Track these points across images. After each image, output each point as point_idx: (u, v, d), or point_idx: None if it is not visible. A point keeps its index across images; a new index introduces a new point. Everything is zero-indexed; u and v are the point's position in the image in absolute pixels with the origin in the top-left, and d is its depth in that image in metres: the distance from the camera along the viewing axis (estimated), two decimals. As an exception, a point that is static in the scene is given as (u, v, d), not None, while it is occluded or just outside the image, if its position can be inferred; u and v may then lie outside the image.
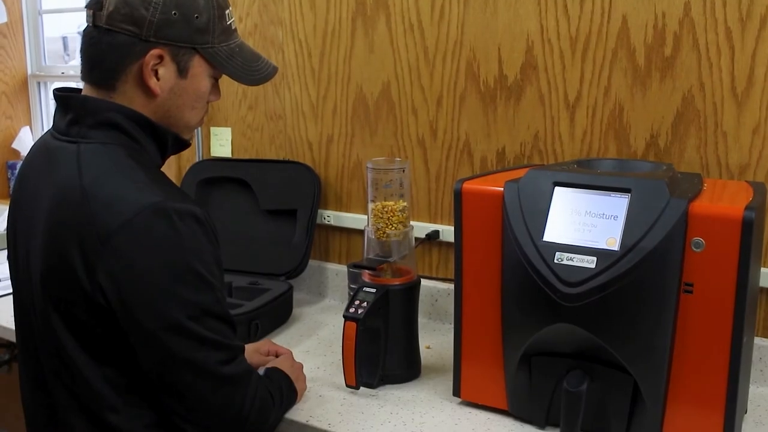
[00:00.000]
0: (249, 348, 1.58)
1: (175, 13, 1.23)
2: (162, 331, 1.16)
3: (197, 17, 1.25)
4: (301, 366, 1.56)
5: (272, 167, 2.22)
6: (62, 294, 1.20)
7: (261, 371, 1.42)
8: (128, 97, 1.25)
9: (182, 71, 1.27)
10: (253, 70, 1.36)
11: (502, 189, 1.38)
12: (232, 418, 1.25)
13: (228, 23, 1.32)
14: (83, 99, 1.26)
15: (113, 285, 1.15)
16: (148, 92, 1.25)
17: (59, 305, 1.21)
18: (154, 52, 1.23)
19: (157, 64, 1.24)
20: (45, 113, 3.26)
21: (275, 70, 1.41)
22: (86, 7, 1.26)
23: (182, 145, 1.35)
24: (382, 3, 2.00)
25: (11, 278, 1.36)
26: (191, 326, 1.17)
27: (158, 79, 1.25)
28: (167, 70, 1.25)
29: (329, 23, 2.11)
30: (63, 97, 1.28)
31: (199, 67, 1.28)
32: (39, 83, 3.23)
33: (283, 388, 1.42)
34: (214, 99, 1.36)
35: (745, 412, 1.44)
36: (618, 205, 1.29)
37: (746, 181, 1.50)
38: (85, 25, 1.27)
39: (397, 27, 1.99)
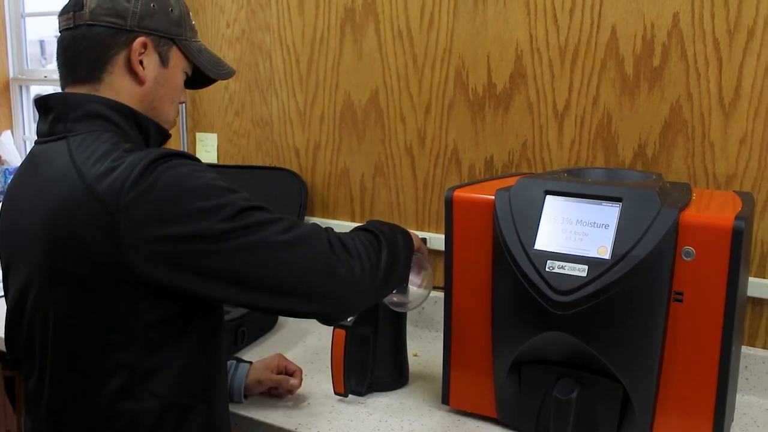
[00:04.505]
0: (257, 365, 1.57)
1: (153, 6, 1.29)
2: (210, 251, 1.13)
3: (171, 10, 1.32)
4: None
5: (259, 173, 2.22)
6: (77, 281, 1.17)
7: None
8: (115, 88, 1.27)
9: (164, 61, 1.31)
10: (219, 66, 1.42)
11: (493, 197, 1.39)
12: (325, 271, 1.19)
13: (193, 22, 1.39)
14: (63, 95, 1.27)
15: (147, 248, 1.12)
16: (136, 79, 1.28)
17: (71, 297, 1.18)
18: (140, 39, 1.27)
19: (141, 53, 1.27)
20: (27, 117, 3.24)
21: (234, 71, 1.48)
22: (62, 13, 1.28)
23: (164, 135, 1.35)
24: (371, 10, 2.00)
25: (4, 289, 1.33)
26: (228, 226, 1.13)
27: (143, 68, 1.28)
28: (151, 60, 1.29)
29: (318, 30, 2.11)
30: (43, 98, 1.28)
31: (176, 59, 1.33)
32: (21, 87, 3.21)
33: (386, 227, 1.35)
34: (183, 100, 1.40)
35: (731, 421, 1.45)
36: (609, 214, 1.29)
37: (734, 191, 1.52)
38: (60, 33, 1.29)
39: (386, 34, 1.99)
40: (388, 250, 1.30)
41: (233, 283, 1.16)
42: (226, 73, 1.44)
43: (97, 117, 1.24)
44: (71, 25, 1.26)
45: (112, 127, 1.25)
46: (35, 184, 1.24)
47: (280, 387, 1.56)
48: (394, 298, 1.52)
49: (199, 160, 1.21)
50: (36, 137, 1.31)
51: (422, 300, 1.54)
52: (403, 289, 1.49)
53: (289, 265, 1.17)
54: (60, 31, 1.29)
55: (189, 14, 1.36)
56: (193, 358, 1.24)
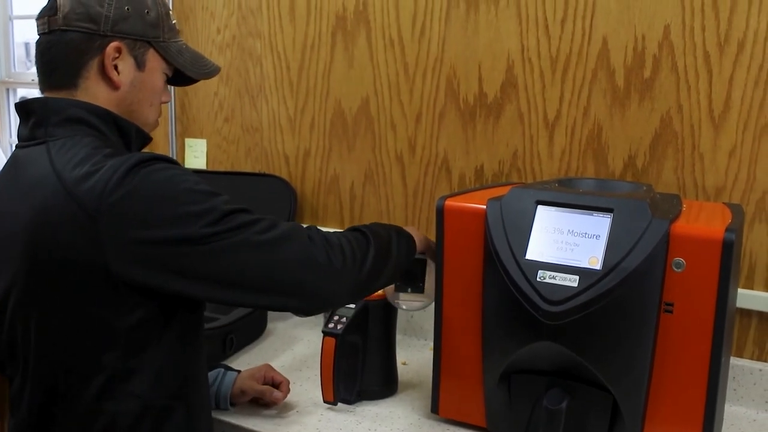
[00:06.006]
0: (245, 374, 1.57)
1: (128, 9, 1.28)
2: (194, 254, 1.15)
3: (148, 12, 1.30)
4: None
5: (248, 180, 2.21)
6: (62, 284, 1.17)
7: None
8: (92, 93, 1.27)
9: (140, 65, 1.31)
10: (201, 65, 1.41)
11: (485, 207, 1.39)
12: (308, 264, 1.21)
13: (173, 22, 1.37)
14: (44, 100, 1.28)
15: (130, 251, 1.14)
16: (111, 85, 1.28)
17: (54, 299, 1.19)
18: (114, 44, 1.26)
19: (116, 58, 1.27)
20: (14, 120, 3.21)
21: (219, 68, 1.46)
22: (38, 17, 1.28)
23: (145, 138, 1.36)
24: (362, 18, 2.00)
25: None
26: (214, 230, 1.15)
27: (119, 73, 1.28)
28: (126, 64, 1.28)
29: (309, 37, 2.11)
30: (23, 103, 1.29)
31: (154, 61, 1.33)
32: (8, 90, 3.18)
33: (381, 228, 1.38)
34: (166, 100, 1.39)
35: (720, 432, 1.46)
36: (600, 224, 1.30)
37: (723, 203, 1.53)
38: (38, 36, 1.29)
39: (378, 42, 1.99)
40: (375, 250, 1.31)
41: (215, 283, 1.18)
42: (208, 72, 1.43)
43: (77, 122, 1.25)
44: (46, 30, 1.27)
45: (93, 132, 1.25)
46: (16, 189, 1.24)
47: (264, 398, 1.56)
48: (402, 297, 1.55)
49: (179, 164, 1.22)
50: (18, 142, 1.31)
51: (428, 303, 1.55)
52: (419, 288, 1.51)
53: (270, 264, 1.19)
54: (38, 35, 1.29)
55: (169, 14, 1.35)
56: (173, 359, 1.25)
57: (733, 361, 1.60)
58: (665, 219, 1.26)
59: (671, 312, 1.27)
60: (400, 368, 1.72)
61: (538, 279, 1.30)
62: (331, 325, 1.53)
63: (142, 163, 1.16)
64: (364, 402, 1.60)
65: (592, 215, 1.31)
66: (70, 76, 1.26)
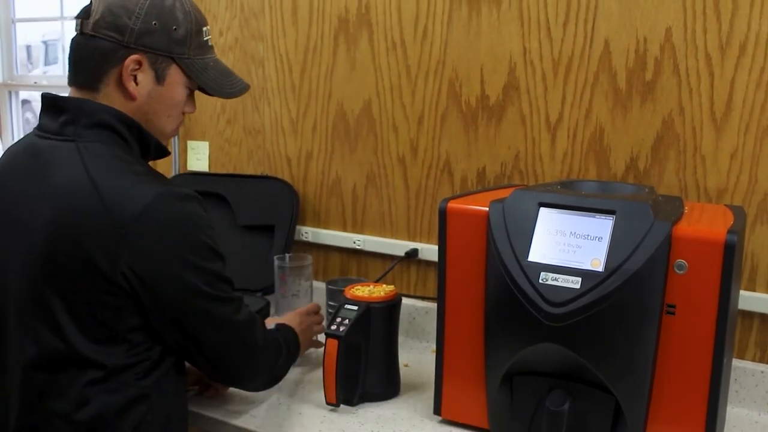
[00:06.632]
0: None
1: (155, 24, 1.32)
2: (184, 298, 1.28)
3: (176, 29, 1.35)
4: (313, 322, 1.71)
5: (250, 182, 2.21)
6: (72, 281, 1.24)
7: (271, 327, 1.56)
8: (110, 99, 1.33)
9: (159, 78, 1.35)
10: (225, 84, 1.45)
11: (487, 209, 1.39)
12: (250, 356, 1.39)
13: (205, 39, 1.41)
14: (79, 101, 1.33)
15: (137, 270, 1.23)
16: (127, 95, 1.33)
17: (64, 293, 1.25)
18: (134, 57, 1.32)
19: (136, 69, 1.32)
20: (16, 122, 3.22)
21: (247, 87, 1.50)
22: (75, 17, 1.35)
23: (162, 152, 1.42)
24: (364, 20, 2.01)
25: None
26: (208, 290, 1.29)
27: (137, 84, 1.33)
28: (145, 76, 1.34)
29: (311, 39, 2.11)
30: (56, 98, 1.35)
31: (175, 76, 1.37)
32: (10, 92, 3.19)
33: (290, 340, 1.55)
34: (189, 111, 1.44)
35: (722, 433, 1.46)
36: (603, 226, 1.30)
37: (725, 205, 1.53)
38: (74, 34, 1.36)
39: (380, 45, 2.00)
40: (286, 362, 1.52)
41: (184, 334, 1.31)
42: (232, 92, 1.46)
43: (105, 127, 1.31)
44: (79, 31, 1.33)
45: (118, 139, 1.32)
46: (41, 181, 1.29)
47: (205, 380, 1.62)
48: None
49: (204, 205, 1.31)
50: (38, 131, 1.36)
51: None
52: None
53: (233, 341, 1.36)
54: (74, 34, 1.35)
55: (200, 31, 1.39)
56: (165, 356, 1.33)
57: (735, 362, 1.60)
58: (667, 221, 1.26)
59: (673, 314, 1.27)
60: (402, 370, 1.72)
61: (540, 281, 1.30)
62: (333, 327, 1.53)
63: (177, 199, 1.27)
64: (367, 404, 1.60)
65: (594, 217, 1.32)
66: (93, 80, 1.33)
